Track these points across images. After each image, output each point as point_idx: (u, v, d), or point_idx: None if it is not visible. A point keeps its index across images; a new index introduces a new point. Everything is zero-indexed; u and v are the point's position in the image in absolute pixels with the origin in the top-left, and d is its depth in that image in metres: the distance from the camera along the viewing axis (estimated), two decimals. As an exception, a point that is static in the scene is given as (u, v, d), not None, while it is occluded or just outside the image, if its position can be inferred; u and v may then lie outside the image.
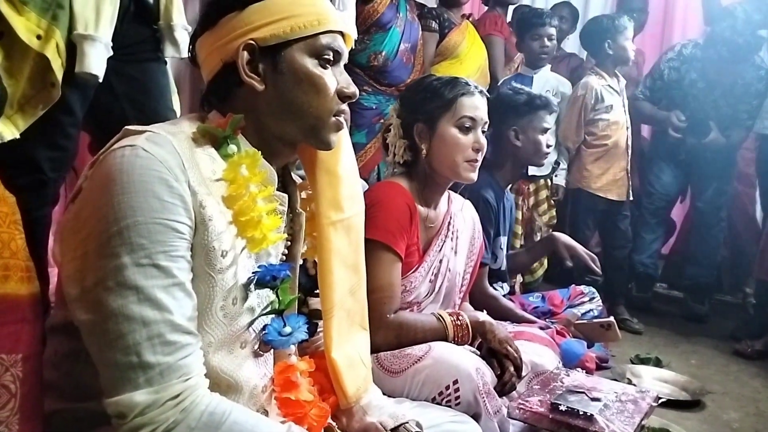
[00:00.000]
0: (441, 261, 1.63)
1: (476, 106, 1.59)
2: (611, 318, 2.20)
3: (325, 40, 0.98)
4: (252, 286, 0.96)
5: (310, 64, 0.98)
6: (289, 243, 1.08)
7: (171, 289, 0.83)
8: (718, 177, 3.39)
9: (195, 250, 0.88)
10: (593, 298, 2.38)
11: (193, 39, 1.02)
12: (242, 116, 0.97)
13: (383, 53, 2.92)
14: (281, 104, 0.98)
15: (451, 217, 1.69)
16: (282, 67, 0.97)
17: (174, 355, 0.81)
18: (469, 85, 1.61)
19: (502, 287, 2.27)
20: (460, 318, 1.52)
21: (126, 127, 0.91)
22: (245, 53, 0.95)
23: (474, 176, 1.60)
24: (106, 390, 0.81)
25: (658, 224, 3.57)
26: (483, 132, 1.61)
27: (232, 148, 0.95)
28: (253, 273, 0.96)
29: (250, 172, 0.94)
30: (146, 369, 0.80)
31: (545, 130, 2.23)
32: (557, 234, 2.36)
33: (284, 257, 1.07)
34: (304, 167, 1.15)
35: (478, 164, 1.60)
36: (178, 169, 0.86)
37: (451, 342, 1.49)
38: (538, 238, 3.20)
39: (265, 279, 0.97)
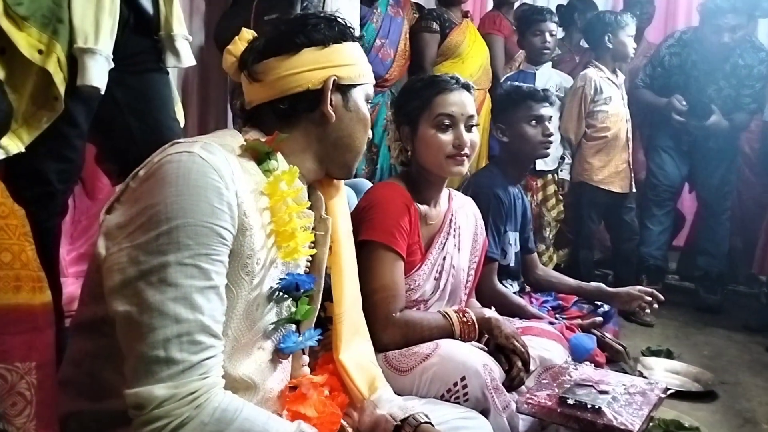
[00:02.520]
0: (444, 258, 1.64)
1: (454, 102, 1.57)
2: (623, 348, 2.17)
3: (370, 89, 1.16)
4: (276, 295, 1.02)
5: (363, 107, 1.14)
6: (314, 251, 1.12)
7: (207, 291, 0.87)
8: (722, 165, 3.38)
9: (231, 257, 0.92)
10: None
11: (258, 57, 1.07)
12: (287, 135, 1.05)
13: None
14: (342, 136, 1.11)
15: (452, 215, 1.70)
16: (350, 105, 1.11)
17: (199, 354, 0.84)
18: (448, 82, 1.60)
19: (512, 285, 2.27)
20: (467, 315, 1.52)
21: (175, 140, 0.98)
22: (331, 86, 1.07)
23: (462, 170, 1.59)
24: (128, 381, 0.84)
25: (665, 215, 3.56)
26: (472, 126, 1.60)
27: (273, 164, 1.03)
28: (280, 279, 1.02)
29: (289, 188, 1.01)
30: (170, 364, 0.82)
31: (535, 119, 2.15)
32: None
33: (309, 263, 1.13)
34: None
35: (465, 159, 1.58)
36: (228, 178, 0.92)
37: (458, 339, 1.50)
38: (548, 233, 3.20)
39: (290, 287, 1.03)
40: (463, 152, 1.57)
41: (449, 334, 1.49)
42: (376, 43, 2.99)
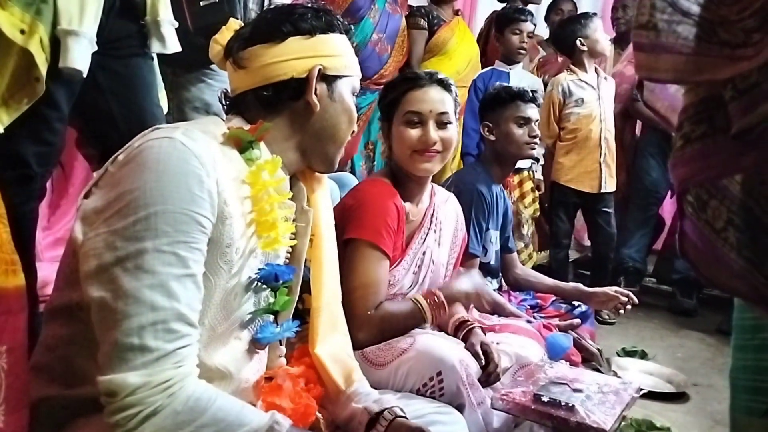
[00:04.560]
0: (424, 253, 1.65)
1: (423, 99, 1.58)
2: (598, 351, 2.24)
3: (356, 82, 1.17)
4: (254, 285, 1.02)
5: (349, 99, 1.14)
6: (295, 242, 1.12)
7: (184, 279, 0.86)
8: None
9: (209, 245, 0.91)
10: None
11: (244, 44, 1.07)
12: (271, 124, 1.05)
13: (354, 44, 2.95)
14: (326, 126, 1.11)
15: (434, 209, 1.70)
16: (335, 96, 1.11)
17: (173, 343, 0.84)
18: (420, 79, 1.61)
19: (491, 282, 2.29)
20: (436, 298, 1.52)
21: (156, 126, 0.97)
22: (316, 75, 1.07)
23: (429, 167, 1.59)
24: (101, 367, 0.83)
25: (646, 220, 3.61)
26: (446, 123, 1.59)
27: (256, 153, 1.02)
28: (259, 269, 1.02)
29: (271, 177, 1.01)
30: (145, 352, 0.82)
31: (522, 120, 2.20)
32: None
33: (289, 254, 1.12)
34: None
35: (434, 155, 1.58)
36: (209, 165, 0.91)
37: (430, 322, 1.51)
38: (526, 230, 3.23)
39: (269, 277, 1.03)
40: (430, 149, 1.57)
41: (422, 320, 1.50)
42: (373, 38, 2.99)
